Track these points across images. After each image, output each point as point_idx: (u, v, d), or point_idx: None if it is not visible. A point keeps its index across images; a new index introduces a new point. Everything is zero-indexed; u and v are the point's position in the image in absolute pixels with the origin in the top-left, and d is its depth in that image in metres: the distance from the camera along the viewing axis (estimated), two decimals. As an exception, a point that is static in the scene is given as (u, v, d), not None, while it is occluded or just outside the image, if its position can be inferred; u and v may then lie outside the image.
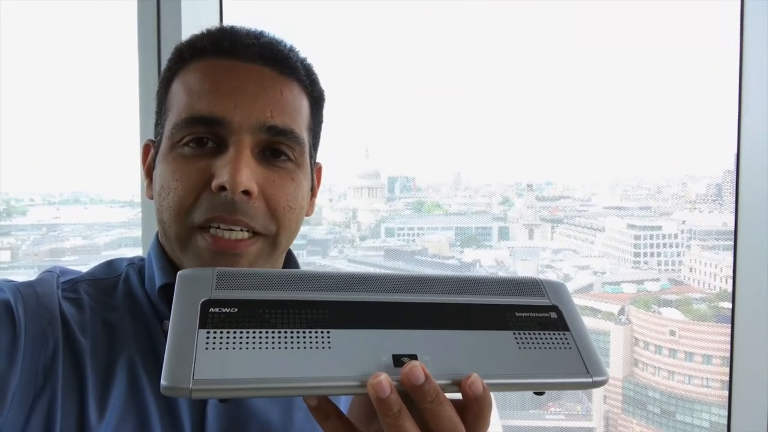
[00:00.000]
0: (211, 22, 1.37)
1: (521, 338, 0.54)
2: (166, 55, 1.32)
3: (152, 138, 0.74)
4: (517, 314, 0.56)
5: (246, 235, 0.65)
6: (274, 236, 0.67)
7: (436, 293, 0.56)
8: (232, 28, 0.70)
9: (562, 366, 0.53)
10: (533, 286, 0.60)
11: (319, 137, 0.76)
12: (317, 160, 0.77)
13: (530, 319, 0.56)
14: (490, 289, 0.58)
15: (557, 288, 0.60)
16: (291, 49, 0.71)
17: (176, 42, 1.32)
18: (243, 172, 0.62)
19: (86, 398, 0.60)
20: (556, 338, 0.55)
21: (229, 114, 0.63)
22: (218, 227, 0.64)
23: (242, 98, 0.64)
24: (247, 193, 0.63)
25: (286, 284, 0.53)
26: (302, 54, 0.72)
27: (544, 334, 0.55)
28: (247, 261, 0.65)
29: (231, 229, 0.64)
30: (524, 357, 0.52)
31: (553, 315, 0.57)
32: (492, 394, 0.50)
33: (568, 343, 0.55)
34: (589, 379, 0.52)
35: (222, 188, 0.62)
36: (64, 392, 0.59)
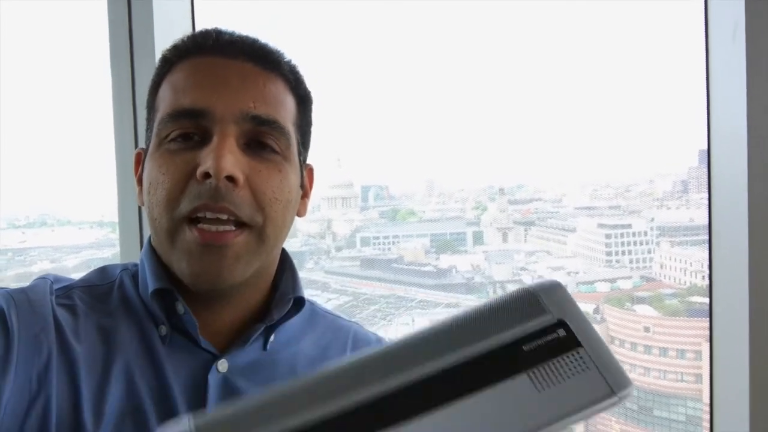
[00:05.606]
0: (182, 25, 1.36)
1: (537, 377, 0.47)
2: (139, 61, 1.31)
3: (143, 146, 0.74)
4: (525, 348, 0.48)
5: (232, 227, 0.64)
6: (260, 228, 0.66)
7: (426, 360, 0.46)
8: (216, 29, 0.70)
9: (586, 392, 0.47)
10: (531, 301, 0.51)
11: (308, 137, 0.75)
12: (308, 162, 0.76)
13: (540, 348, 0.48)
14: (486, 326, 0.50)
15: (555, 293, 0.52)
16: (275, 48, 0.71)
17: (149, 47, 1.31)
18: (226, 158, 0.61)
19: (81, 404, 0.59)
20: (572, 361, 0.48)
21: (212, 105, 0.63)
22: (205, 216, 0.63)
23: (225, 90, 0.65)
24: (231, 180, 0.62)
25: (259, 419, 0.42)
26: (287, 56, 0.72)
27: (560, 360, 0.48)
28: (234, 253, 0.64)
29: (217, 218, 0.63)
30: (546, 398, 0.46)
31: (562, 333, 0.49)
32: None
33: (584, 362, 0.48)
34: (615, 398, 0.46)
35: (206, 175, 0.61)
36: (58, 399, 0.58)
